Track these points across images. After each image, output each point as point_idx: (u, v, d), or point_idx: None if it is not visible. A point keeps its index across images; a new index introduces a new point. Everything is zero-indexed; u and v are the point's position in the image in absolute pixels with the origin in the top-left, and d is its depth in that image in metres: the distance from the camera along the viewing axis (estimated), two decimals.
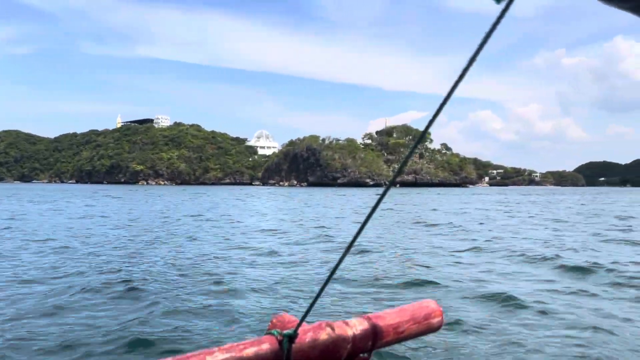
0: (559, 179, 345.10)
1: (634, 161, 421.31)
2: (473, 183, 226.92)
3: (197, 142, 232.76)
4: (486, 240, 17.73)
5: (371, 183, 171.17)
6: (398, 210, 37.37)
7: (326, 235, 19.13)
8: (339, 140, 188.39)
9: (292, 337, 1.13)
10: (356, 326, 1.26)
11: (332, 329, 1.20)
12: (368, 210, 0.89)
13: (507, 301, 8.37)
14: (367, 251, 14.66)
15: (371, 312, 1.35)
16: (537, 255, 13.88)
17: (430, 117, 0.73)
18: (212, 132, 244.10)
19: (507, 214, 35.09)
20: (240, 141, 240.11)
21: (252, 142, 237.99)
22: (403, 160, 1.07)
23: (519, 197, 77.54)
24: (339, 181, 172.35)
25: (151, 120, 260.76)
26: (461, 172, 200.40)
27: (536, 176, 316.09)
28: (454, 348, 6.15)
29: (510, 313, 7.79)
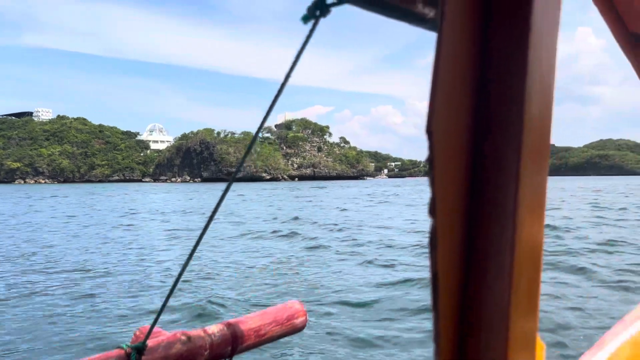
0: None
1: None
2: (372, 175, 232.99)
3: (83, 136, 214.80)
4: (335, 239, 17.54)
5: (268, 177, 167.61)
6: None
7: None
8: (234, 133, 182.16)
9: (140, 350, 1.10)
10: (215, 333, 1.27)
11: (188, 337, 1.21)
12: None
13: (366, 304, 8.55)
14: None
15: (232, 318, 1.38)
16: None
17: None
18: (100, 125, 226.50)
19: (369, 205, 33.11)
20: (131, 135, 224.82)
21: (143, 137, 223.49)
22: (246, 151, 1.10)
23: (392, 188, 78.74)
24: None
25: (30, 114, 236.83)
26: (358, 165, 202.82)
27: None
28: (317, 347, 6.31)
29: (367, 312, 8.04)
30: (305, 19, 0.68)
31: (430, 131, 0.40)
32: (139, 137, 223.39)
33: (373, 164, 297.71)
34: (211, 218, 0.98)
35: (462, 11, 0.43)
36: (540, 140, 0.47)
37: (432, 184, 0.41)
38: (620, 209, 28.13)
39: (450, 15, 0.41)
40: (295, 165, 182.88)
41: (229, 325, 1.32)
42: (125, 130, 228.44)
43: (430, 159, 0.40)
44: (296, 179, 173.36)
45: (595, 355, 1.02)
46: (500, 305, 0.45)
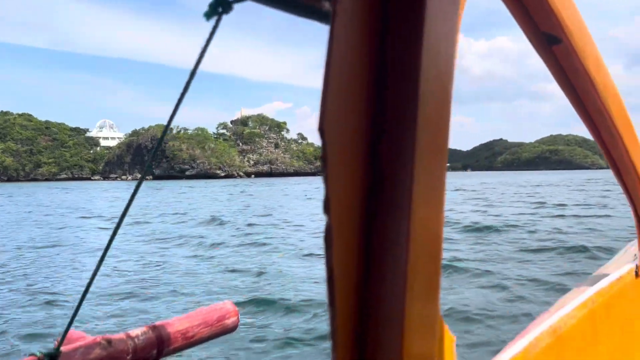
0: None
1: (474, 148, 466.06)
2: None
3: (28, 133, 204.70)
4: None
5: (222, 174, 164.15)
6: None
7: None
8: (187, 130, 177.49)
9: (53, 356, 1.07)
10: (139, 336, 1.26)
11: (109, 342, 1.20)
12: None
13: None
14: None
15: (159, 321, 1.38)
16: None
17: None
18: (47, 122, 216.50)
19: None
20: (79, 132, 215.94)
21: (93, 133, 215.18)
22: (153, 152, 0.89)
23: None
24: (187, 173, 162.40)
25: None
26: (316, 162, 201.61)
27: None
28: (249, 347, 6.18)
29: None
30: (208, 16, 0.67)
31: (322, 129, 0.40)
32: (88, 134, 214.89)
33: None
34: (122, 219, 0.95)
35: (356, 7, 0.43)
36: (437, 138, 0.48)
37: (326, 182, 0.41)
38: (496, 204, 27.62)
39: (343, 10, 0.40)
40: (252, 162, 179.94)
41: (154, 327, 1.30)
42: (73, 126, 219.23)
43: (324, 157, 0.41)
44: (252, 175, 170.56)
45: (516, 344, 1.06)
46: (397, 299, 0.45)
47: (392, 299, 0.46)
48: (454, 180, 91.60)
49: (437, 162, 0.49)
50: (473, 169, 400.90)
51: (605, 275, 1.52)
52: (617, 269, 1.58)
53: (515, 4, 0.94)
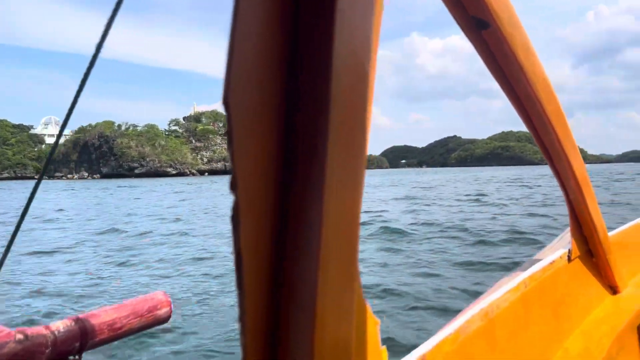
0: (367, 162, 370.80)
1: (429, 144, 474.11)
2: None
3: None
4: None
5: (174, 172, 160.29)
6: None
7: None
8: (136, 126, 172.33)
9: None
10: (60, 329, 1.23)
11: (26, 336, 1.16)
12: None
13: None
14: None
15: (84, 312, 1.37)
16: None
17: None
18: None
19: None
20: (23, 129, 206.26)
21: (38, 130, 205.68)
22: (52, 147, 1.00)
23: None
24: (136, 171, 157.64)
25: None
26: None
27: None
28: (182, 338, 5.96)
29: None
30: None
31: (227, 103, 0.39)
32: (32, 131, 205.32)
33: None
34: (21, 220, 0.90)
35: None
36: (353, 115, 0.47)
37: (232, 159, 0.40)
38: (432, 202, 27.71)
39: None
40: (205, 160, 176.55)
41: (77, 320, 1.25)
42: (16, 123, 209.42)
43: (229, 132, 0.40)
44: (206, 173, 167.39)
45: (447, 327, 1.09)
46: (310, 283, 0.44)
47: (305, 283, 0.45)
48: (400, 176, 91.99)
49: (355, 140, 0.48)
50: (428, 166, 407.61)
51: (540, 260, 1.56)
52: (552, 254, 1.61)
53: None
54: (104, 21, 0.88)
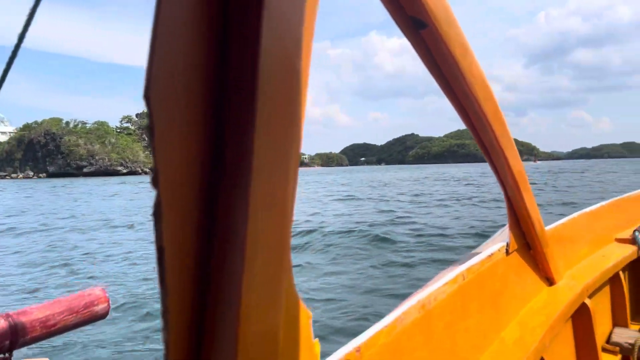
0: (327, 160, 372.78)
1: (388, 142, 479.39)
2: None
3: None
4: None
5: (125, 171, 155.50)
6: None
7: None
8: (85, 123, 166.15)
9: None
10: None
11: None
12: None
13: None
14: None
15: (16, 310, 1.36)
16: None
17: None
18: None
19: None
20: None
21: None
22: None
23: None
24: (85, 170, 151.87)
25: None
26: None
27: (305, 158, 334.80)
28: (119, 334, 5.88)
29: None
30: None
31: (147, 97, 0.38)
32: None
33: None
34: None
35: None
36: (283, 108, 0.46)
37: (154, 153, 0.39)
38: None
39: None
40: None
41: (7, 316, 1.23)
42: None
43: (150, 127, 0.39)
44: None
45: (383, 320, 1.11)
46: (235, 276, 0.45)
47: (231, 279, 0.45)
48: (362, 174, 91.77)
49: (286, 135, 0.47)
50: (387, 163, 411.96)
51: (479, 253, 1.60)
52: (491, 247, 1.66)
53: None
54: (27, 11, 0.86)
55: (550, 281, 1.94)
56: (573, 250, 2.28)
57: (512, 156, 1.51)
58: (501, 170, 1.56)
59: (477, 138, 1.46)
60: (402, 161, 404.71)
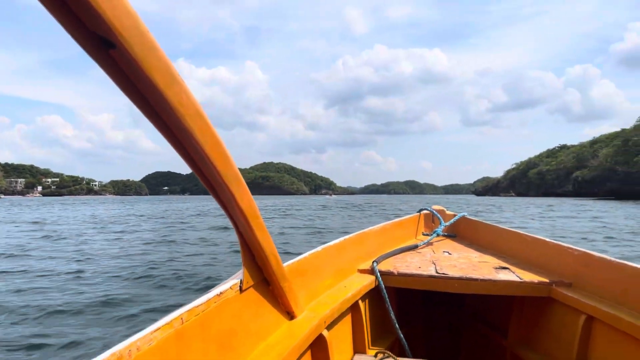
0: (123, 188, 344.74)
1: (192, 172, 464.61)
2: (22, 193, 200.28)
3: None
4: None
5: None
6: None
7: None
8: None
9: None
10: None
11: None
12: None
13: None
14: None
15: None
16: None
17: None
18: None
19: None
20: None
21: None
22: None
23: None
24: None
25: None
26: None
27: (95, 185, 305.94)
28: None
29: None
30: None
31: None
32: None
33: (22, 180, 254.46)
34: None
35: None
36: None
37: None
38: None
39: None
40: None
41: None
42: None
43: None
44: None
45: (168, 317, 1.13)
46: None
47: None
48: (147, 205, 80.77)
49: None
50: (192, 193, 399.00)
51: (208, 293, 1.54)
52: (222, 286, 1.61)
53: (54, 2, 0.81)
54: None
55: (291, 315, 1.93)
56: (317, 282, 2.30)
57: (240, 191, 1.42)
58: (229, 206, 1.46)
59: (199, 173, 1.33)
60: (206, 191, 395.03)
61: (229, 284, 1.59)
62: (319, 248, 2.41)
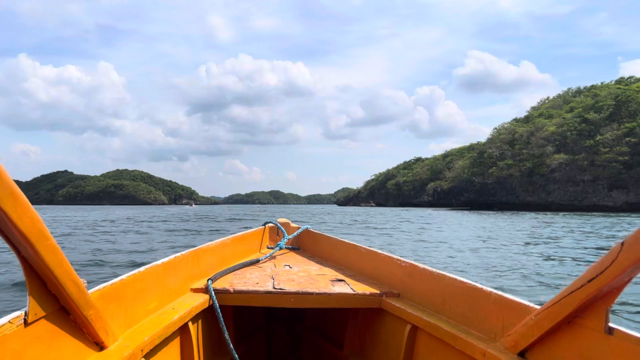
0: None
1: (35, 179, 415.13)
2: None
3: None
4: None
5: None
6: None
7: None
8: None
9: None
10: None
11: None
12: None
13: None
14: None
15: None
16: None
17: None
18: None
19: None
20: None
21: None
22: None
23: None
24: None
25: None
26: None
27: None
28: None
29: None
30: None
31: None
32: None
33: None
34: None
35: None
36: None
37: None
38: None
39: None
40: None
41: None
42: None
43: None
44: None
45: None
46: None
47: None
48: None
49: None
50: (32, 203, 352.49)
51: None
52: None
53: None
54: None
55: (100, 346, 1.72)
56: (137, 306, 2.05)
57: (18, 209, 1.18)
58: (5, 228, 1.21)
59: None
60: (50, 201, 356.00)
61: (6, 319, 1.33)
62: (142, 268, 2.16)
